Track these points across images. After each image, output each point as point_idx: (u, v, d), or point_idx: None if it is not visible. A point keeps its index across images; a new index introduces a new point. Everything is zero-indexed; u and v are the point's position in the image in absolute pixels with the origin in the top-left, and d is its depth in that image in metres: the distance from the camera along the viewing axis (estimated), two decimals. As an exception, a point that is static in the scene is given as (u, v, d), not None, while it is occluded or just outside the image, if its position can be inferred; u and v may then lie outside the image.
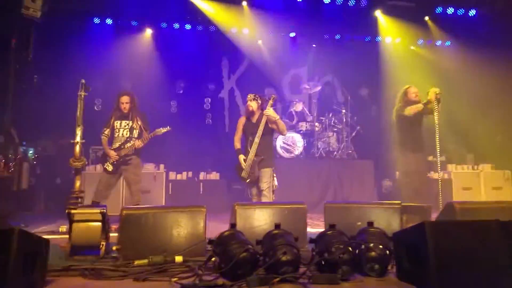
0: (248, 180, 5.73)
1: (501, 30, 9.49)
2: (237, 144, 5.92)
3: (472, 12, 9.97)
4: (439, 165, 5.77)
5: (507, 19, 9.45)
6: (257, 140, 5.67)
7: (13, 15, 7.32)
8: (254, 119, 5.89)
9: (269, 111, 5.69)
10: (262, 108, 5.89)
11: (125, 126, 6.21)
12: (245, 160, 5.72)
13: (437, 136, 5.64)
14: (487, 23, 9.88)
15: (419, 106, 5.86)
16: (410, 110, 5.92)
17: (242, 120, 6.02)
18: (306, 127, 9.25)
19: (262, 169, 5.72)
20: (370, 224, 3.20)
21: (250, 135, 5.80)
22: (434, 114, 5.71)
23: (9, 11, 7.27)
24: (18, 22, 7.35)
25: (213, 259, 3.26)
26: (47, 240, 3.07)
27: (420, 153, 6.13)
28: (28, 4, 7.18)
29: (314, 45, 11.11)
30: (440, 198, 5.57)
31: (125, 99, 6.24)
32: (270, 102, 5.83)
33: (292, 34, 10.78)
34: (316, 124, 9.30)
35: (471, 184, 8.47)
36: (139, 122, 6.22)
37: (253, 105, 5.88)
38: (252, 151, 5.67)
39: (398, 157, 6.35)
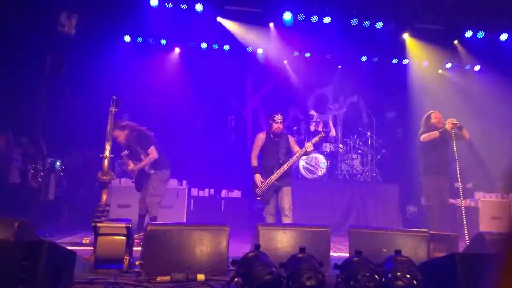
0: (259, 198, 5.76)
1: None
2: (255, 162, 5.91)
3: (504, 37, 9.77)
4: (461, 192, 5.65)
5: None
6: (286, 167, 5.70)
7: (49, 32, 7.58)
8: (276, 138, 5.91)
9: (310, 147, 5.71)
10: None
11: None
12: (263, 179, 5.72)
13: (457, 163, 5.61)
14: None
15: (435, 134, 5.98)
16: (425, 137, 6.06)
17: (261, 137, 5.98)
18: (330, 148, 9.20)
19: (285, 187, 5.71)
20: (397, 252, 3.14)
21: (271, 154, 5.83)
22: (453, 142, 5.82)
23: (45, 28, 7.53)
24: (53, 39, 7.60)
25: (236, 279, 3.24)
26: (74, 253, 3.12)
27: (442, 176, 6.09)
28: (63, 22, 7.45)
29: (340, 66, 11.12)
30: (465, 226, 5.40)
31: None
32: (317, 138, 5.87)
33: (318, 55, 10.81)
34: (340, 145, 9.24)
35: (499, 214, 8.10)
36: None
37: (281, 126, 5.92)
38: (277, 174, 5.67)
39: (421, 179, 6.35)
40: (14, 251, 2.65)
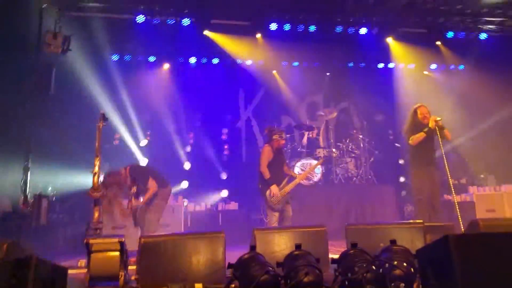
0: (275, 207, 6.22)
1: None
2: (268, 174, 6.27)
3: (483, 36, 9.96)
4: (452, 188, 5.58)
5: None
6: (298, 181, 6.57)
7: (35, 51, 7.57)
8: (279, 152, 6.53)
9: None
10: None
11: None
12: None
13: (445, 161, 5.57)
14: (498, 45, 9.84)
15: (421, 135, 5.99)
16: (413, 140, 6.08)
17: (269, 150, 6.40)
18: (324, 153, 9.19)
19: (290, 198, 6.39)
20: (393, 242, 3.11)
21: (277, 166, 6.39)
22: (440, 140, 5.79)
23: (31, 47, 7.52)
24: (40, 58, 7.58)
25: (232, 286, 3.20)
26: (65, 268, 3.05)
27: (432, 166, 6.10)
28: (49, 42, 7.44)
29: (328, 73, 11.21)
30: (460, 218, 5.30)
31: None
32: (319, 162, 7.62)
33: (306, 64, 10.90)
34: (334, 150, 9.26)
35: (494, 206, 8.15)
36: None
37: None
38: (290, 187, 6.33)
39: (411, 173, 6.35)
40: (1, 269, 2.58)
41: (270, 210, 6.28)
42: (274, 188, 6.18)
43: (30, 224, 7.16)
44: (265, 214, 6.53)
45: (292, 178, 6.61)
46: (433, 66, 11.00)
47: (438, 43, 10.25)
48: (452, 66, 10.92)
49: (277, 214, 6.24)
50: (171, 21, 8.93)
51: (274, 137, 6.44)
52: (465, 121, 9.64)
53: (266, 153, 6.38)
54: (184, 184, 9.49)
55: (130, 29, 8.98)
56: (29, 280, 2.54)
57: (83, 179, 8.13)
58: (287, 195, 6.30)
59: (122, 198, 6.28)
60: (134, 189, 6.29)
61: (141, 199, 6.27)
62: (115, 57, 9.78)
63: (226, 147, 10.93)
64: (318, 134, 9.78)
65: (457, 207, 4.95)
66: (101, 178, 6.23)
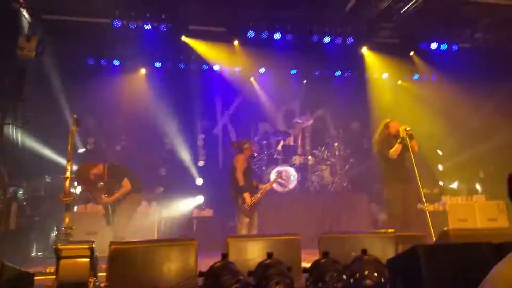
0: (247, 215, 6.49)
1: (482, 63, 9.78)
2: (243, 181, 6.52)
3: (455, 47, 10.18)
4: (423, 196, 5.60)
5: (486, 53, 9.81)
6: (268, 187, 6.85)
7: (8, 55, 7.39)
8: (249, 161, 6.85)
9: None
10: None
11: None
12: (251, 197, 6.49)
13: (416, 171, 5.61)
14: (469, 57, 10.09)
15: (398, 147, 5.95)
16: (393, 154, 5.99)
17: (244, 159, 6.66)
18: (300, 160, 9.23)
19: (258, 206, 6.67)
20: (364, 252, 3.13)
21: (249, 174, 6.69)
22: (409, 149, 5.76)
23: (4, 51, 7.34)
24: (13, 62, 7.40)
25: (203, 293, 3.17)
26: (32, 274, 2.98)
27: (406, 184, 6.01)
28: (23, 45, 7.27)
29: (305, 81, 11.30)
30: (431, 228, 5.33)
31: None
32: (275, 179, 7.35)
33: (283, 71, 10.96)
34: (309, 157, 9.31)
35: (466, 216, 8.38)
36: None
37: None
38: (259, 195, 6.61)
39: (385, 188, 6.29)
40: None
41: (242, 216, 6.52)
42: (246, 196, 6.45)
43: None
44: (237, 220, 6.60)
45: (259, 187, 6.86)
46: (407, 76, 11.20)
47: (411, 53, 10.48)
48: (425, 77, 11.15)
49: (248, 220, 6.50)
50: (147, 26, 8.82)
51: (245, 146, 6.78)
52: (438, 132, 9.87)
53: (241, 161, 6.63)
54: (159, 190, 9.39)
55: (106, 34, 8.85)
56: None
57: (55, 184, 7.99)
58: (257, 202, 6.60)
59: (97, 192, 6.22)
60: (102, 184, 6.21)
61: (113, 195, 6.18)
62: (90, 62, 9.65)
63: (202, 152, 10.87)
64: (294, 141, 9.82)
65: (429, 217, 5.01)
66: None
